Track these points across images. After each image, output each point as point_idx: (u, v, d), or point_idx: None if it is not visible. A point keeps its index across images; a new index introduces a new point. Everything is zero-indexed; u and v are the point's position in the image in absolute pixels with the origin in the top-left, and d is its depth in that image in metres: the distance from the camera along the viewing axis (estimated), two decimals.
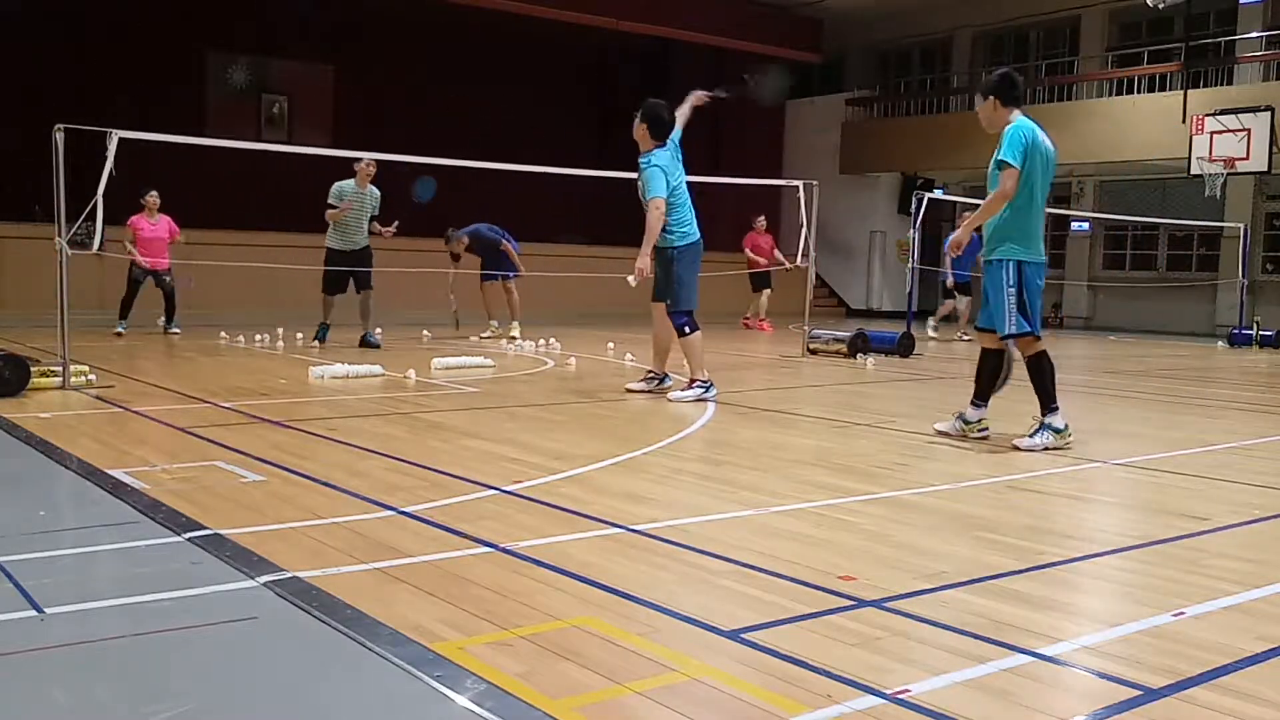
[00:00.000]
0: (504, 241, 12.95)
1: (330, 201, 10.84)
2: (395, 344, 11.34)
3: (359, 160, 10.79)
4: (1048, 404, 5.71)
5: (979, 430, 5.97)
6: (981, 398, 5.98)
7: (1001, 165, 5.61)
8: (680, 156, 7.47)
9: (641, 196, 7.34)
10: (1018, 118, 5.72)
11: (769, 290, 16.50)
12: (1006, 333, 5.74)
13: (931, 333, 15.29)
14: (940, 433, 6.00)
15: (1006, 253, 5.70)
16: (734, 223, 20.68)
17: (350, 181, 10.88)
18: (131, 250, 11.98)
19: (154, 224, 12.31)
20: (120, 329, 12.00)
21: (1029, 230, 5.71)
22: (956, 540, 3.74)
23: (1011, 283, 5.68)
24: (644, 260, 7.22)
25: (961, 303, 15.37)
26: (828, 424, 6.71)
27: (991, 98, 5.78)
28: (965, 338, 14.80)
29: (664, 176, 7.23)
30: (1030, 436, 5.68)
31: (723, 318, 15.51)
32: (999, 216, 5.70)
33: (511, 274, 12.95)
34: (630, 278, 7.35)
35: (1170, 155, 18.16)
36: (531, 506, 4.04)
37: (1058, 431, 5.68)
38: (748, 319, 16.65)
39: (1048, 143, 5.77)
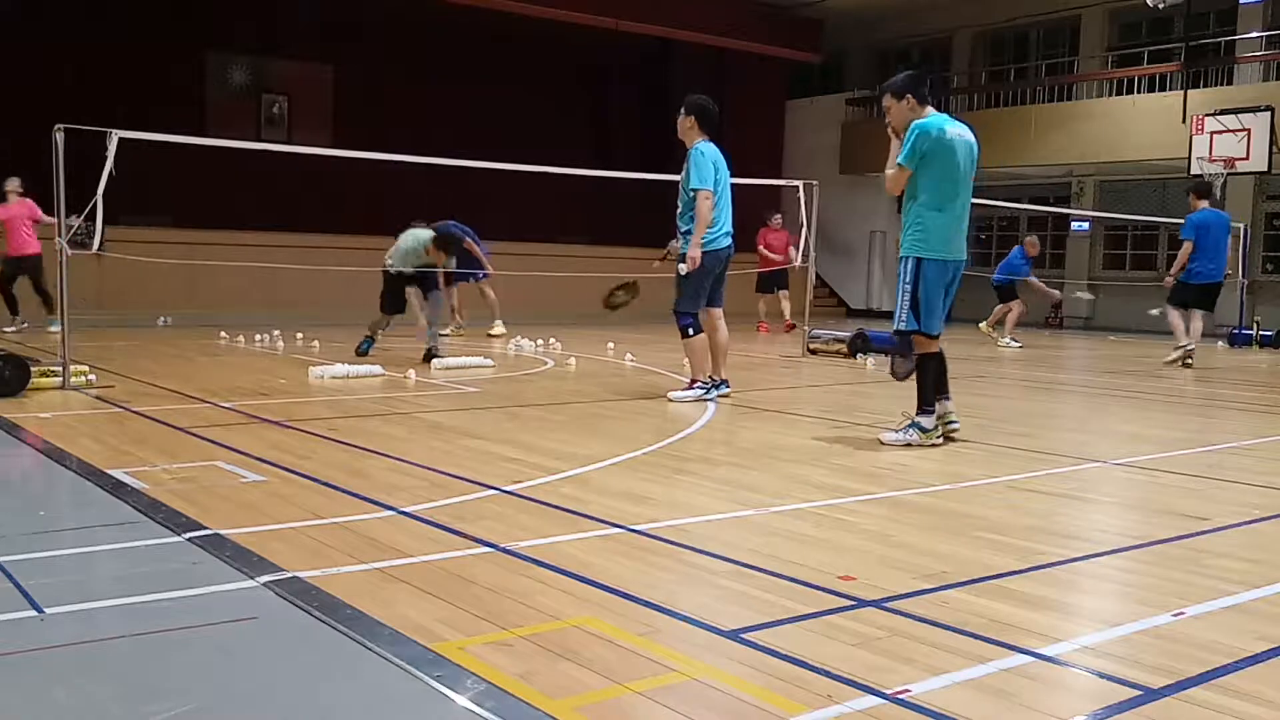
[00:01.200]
0: (467, 239, 12.82)
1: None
2: (394, 343, 11.33)
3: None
4: (920, 403, 5.74)
5: (948, 424, 5.85)
6: (938, 397, 5.87)
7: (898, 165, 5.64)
8: (726, 162, 7.35)
9: (682, 190, 7.20)
10: (930, 114, 5.70)
11: (781, 294, 15.82)
12: (895, 328, 5.81)
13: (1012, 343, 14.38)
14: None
15: (908, 249, 5.73)
16: (733, 224, 20.67)
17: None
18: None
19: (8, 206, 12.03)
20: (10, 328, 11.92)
21: (934, 228, 5.65)
22: (956, 540, 3.74)
23: (908, 279, 5.71)
24: (695, 250, 7.09)
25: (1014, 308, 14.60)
26: (828, 424, 6.71)
27: (908, 97, 5.74)
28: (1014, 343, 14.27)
29: (712, 167, 7.12)
30: (896, 431, 5.75)
31: (726, 319, 15.39)
32: (908, 214, 5.71)
33: (481, 274, 12.81)
34: (682, 266, 7.24)
35: (1170, 155, 18.15)
36: (531, 506, 4.04)
37: (924, 431, 5.69)
38: (789, 321, 15.92)
39: (963, 137, 5.72)
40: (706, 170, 7.09)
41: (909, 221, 5.73)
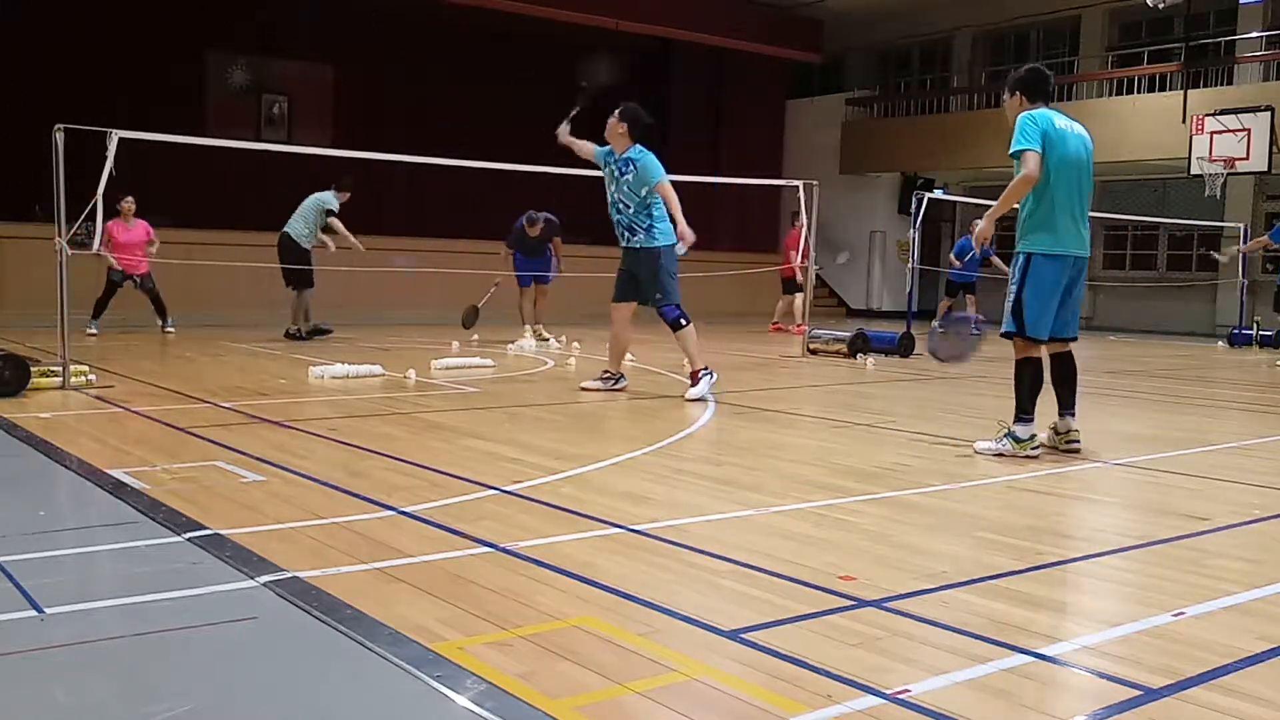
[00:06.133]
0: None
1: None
2: (394, 344, 11.33)
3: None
4: (1017, 412, 5.40)
5: (1068, 441, 5.60)
6: (1061, 412, 5.62)
7: (1016, 155, 5.32)
8: None
9: (626, 193, 7.39)
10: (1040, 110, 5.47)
11: (797, 296, 16.01)
12: (1002, 330, 5.52)
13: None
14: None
15: (1021, 245, 5.43)
16: (734, 223, 20.63)
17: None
18: (106, 254, 11.76)
19: (130, 228, 12.23)
20: (93, 329, 12.00)
21: (1048, 221, 5.34)
22: (956, 540, 3.74)
23: (1015, 278, 5.42)
24: (685, 229, 7.34)
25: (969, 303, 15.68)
26: (828, 424, 6.71)
27: (1018, 94, 5.58)
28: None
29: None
30: (990, 440, 5.46)
31: (721, 317, 15.52)
32: (1021, 208, 5.43)
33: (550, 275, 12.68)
34: (681, 247, 7.44)
35: (1170, 155, 18.15)
36: (531, 506, 4.04)
37: (1018, 441, 5.36)
38: (777, 323, 15.71)
39: (1075, 130, 5.52)
40: (658, 166, 7.41)
41: (1022, 215, 5.41)
